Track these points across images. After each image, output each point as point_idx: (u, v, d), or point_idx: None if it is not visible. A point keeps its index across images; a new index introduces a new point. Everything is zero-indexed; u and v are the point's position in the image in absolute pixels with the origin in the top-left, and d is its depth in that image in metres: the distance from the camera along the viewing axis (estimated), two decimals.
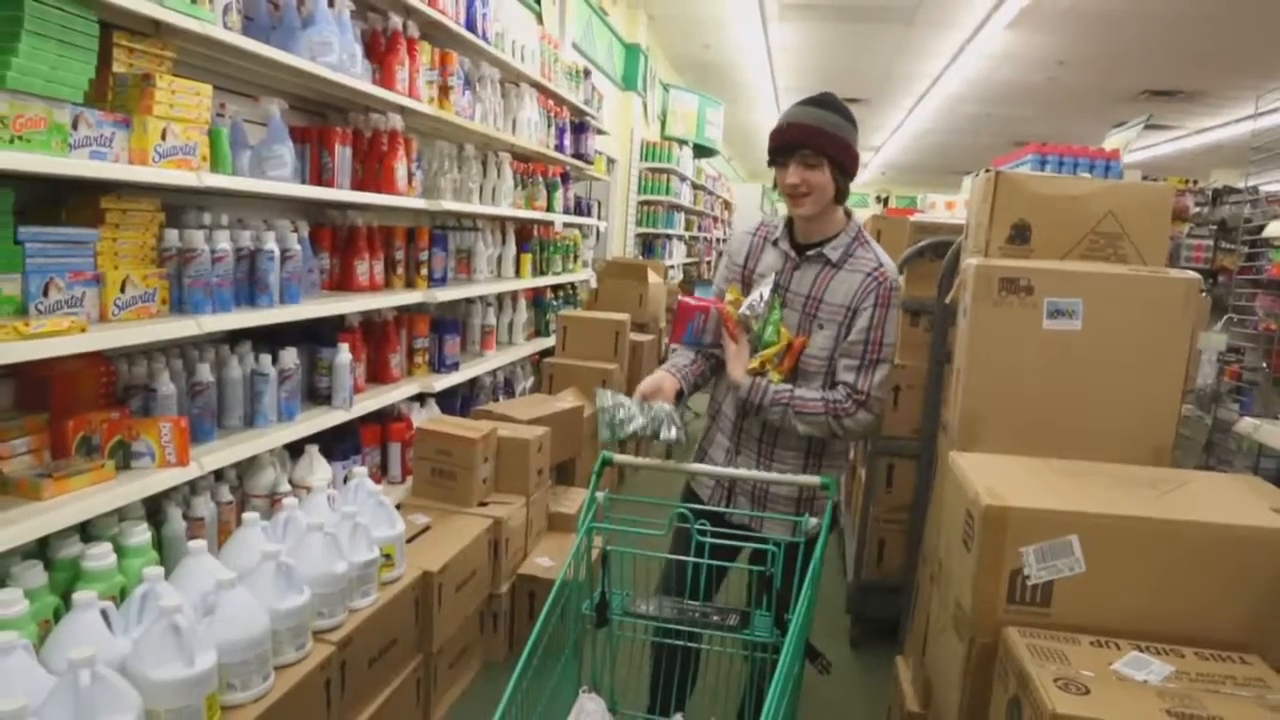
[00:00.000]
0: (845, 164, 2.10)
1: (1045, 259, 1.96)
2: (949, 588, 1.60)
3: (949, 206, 6.65)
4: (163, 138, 2.21)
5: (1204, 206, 5.55)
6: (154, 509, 2.44)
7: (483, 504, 3.33)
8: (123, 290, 2.22)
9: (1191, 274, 1.83)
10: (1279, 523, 1.39)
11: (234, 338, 2.85)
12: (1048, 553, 1.39)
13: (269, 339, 2.93)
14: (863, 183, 25.90)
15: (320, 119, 3.47)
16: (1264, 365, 3.28)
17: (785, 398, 2.08)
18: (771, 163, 2.16)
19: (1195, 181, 6.22)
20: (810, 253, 2.16)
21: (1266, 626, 1.36)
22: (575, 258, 6.20)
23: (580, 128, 6.13)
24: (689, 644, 1.94)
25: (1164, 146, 14.31)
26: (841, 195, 2.15)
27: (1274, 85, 8.91)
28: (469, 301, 4.62)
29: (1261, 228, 3.42)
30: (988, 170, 2.06)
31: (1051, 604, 1.39)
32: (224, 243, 2.52)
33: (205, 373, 2.57)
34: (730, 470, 2.14)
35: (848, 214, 2.20)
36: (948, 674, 1.56)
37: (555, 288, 5.95)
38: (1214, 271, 5.00)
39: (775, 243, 2.24)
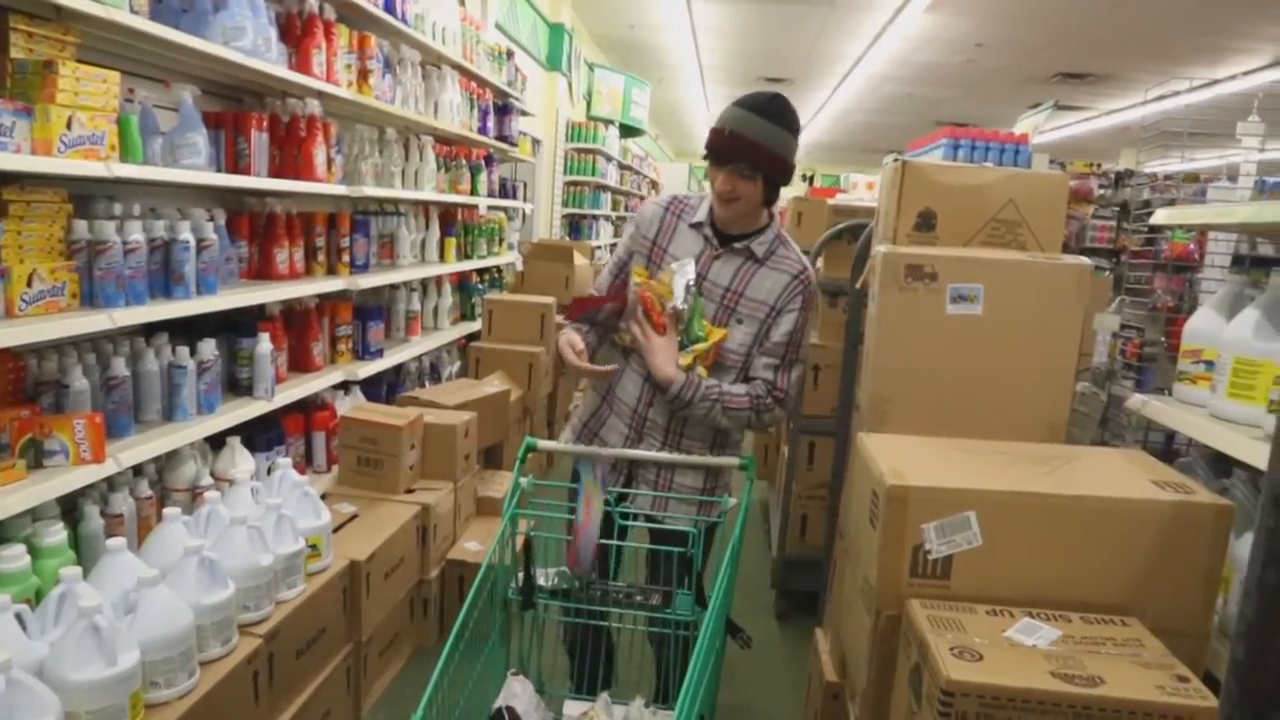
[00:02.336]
0: (779, 178, 2.14)
1: (950, 246, 2.04)
2: (858, 563, 1.67)
3: (869, 187, 6.81)
4: (68, 127, 2.16)
5: (1107, 189, 5.78)
6: (70, 507, 2.39)
7: (410, 491, 3.33)
8: (29, 284, 2.16)
9: (1083, 260, 1.93)
10: (1157, 495, 1.50)
11: (150, 330, 2.79)
12: (947, 528, 1.47)
13: (187, 330, 2.88)
14: None
15: (236, 104, 3.40)
16: (1163, 340, 3.46)
17: (715, 394, 2.10)
18: (706, 158, 2.17)
19: (1099, 165, 6.47)
20: (736, 245, 2.17)
21: (1145, 590, 1.47)
22: (500, 241, 6.18)
23: (504, 109, 6.10)
24: (600, 623, 2.00)
25: (1076, 127, 14.78)
26: (770, 201, 2.18)
27: (1175, 69, 9.26)
28: (393, 287, 4.58)
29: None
30: (896, 159, 2.14)
31: (951, 576, 1.48)
32: (136, 233, 2.47)
33: (120, 367, 2.52)
34: (659, 455, 2.17)
35: (770, 214, 2.23)
36: (858, 645, 1.64)
37: (481, 271, 5.92)
38: (1117, 251, 5.23)
39: (694, 226, 2.22)
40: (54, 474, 2.20)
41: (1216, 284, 2.50)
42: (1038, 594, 1.47)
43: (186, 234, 2.66)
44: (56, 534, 2.12)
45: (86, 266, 2.35)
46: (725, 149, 2.09)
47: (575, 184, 10.46)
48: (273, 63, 3.03)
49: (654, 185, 17.09)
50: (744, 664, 3.15)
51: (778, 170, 2.11)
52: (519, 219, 7.12)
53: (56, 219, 2.31)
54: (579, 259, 6.23)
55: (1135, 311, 2.82)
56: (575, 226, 10.63)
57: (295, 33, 3.35)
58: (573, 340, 2.16)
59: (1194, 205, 2.76)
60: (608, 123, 11.26)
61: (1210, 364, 1.96)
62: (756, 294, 2.14)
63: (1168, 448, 2.50)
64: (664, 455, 2.16)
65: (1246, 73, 9.18)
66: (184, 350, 2.74)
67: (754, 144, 2.06)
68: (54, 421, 2.25)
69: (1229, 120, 2.66)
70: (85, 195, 2.50)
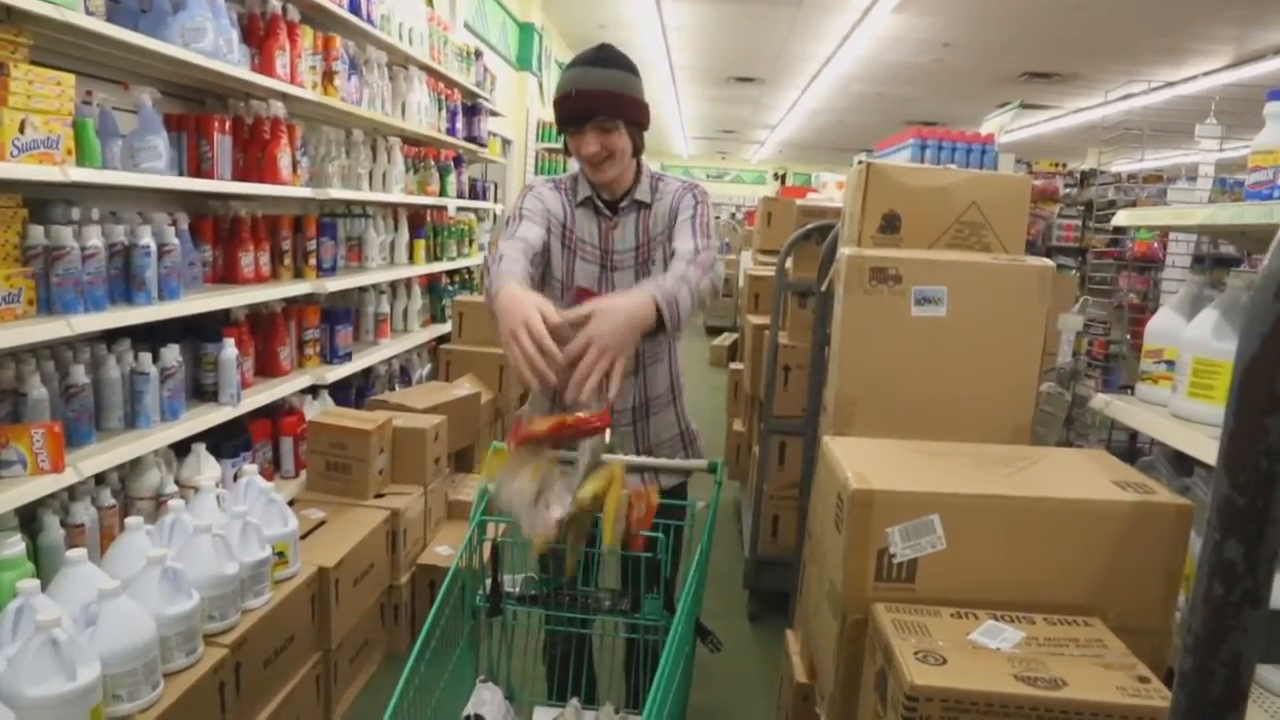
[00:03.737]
0: (640, 120, 2.07)
1: (914, 248, 2.05)
2: (824, 567, 1.68)
3: (839, 186, 6.82)
4: (21, 130, 2.12)
5: (1073, 188, 5.84)
6: (29, 518, 2.35)
7: (379, 495, 3.31)
8: None
9: (1046, 261, 1.95)
10: (1118, 495, 1.51)
11: (112, 336, 2.75)
12: (911, 532, 1.47)
13: (150, 336, 2.84)
14: (760, 160, 26.28)
15: (199, 106, 3.36)
16: (1127, 338, 3.50)
17: (687, 288, 1.83)
18: (562, 131, 2.07)
19: (1064, 164, 6.53)
20: (623, 204, 2.11)
21: (1107, 591, 1.48)
22: (470, 242, 6.15)
23: (473, 110, 6.07)
24: (583, 630, 1.98)
25: (1043, 126, 14.93)
26: (639, 149, 2.10)
27: (1139, 70, 9.35)
28: (361, 290, 4.54)
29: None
30: (860, 162, 2.14)
31: (916, 580, 1.48)
32: (95, 239, 2.43)
33: (80, 374, 2.48)
34: (630, 459, 2.16)
35: (639, 163, 2.16)
36: (825, 649, 1.64)
37: (451, 273, 5.89)
38: (1083, 249, 5.28)
39: (583, 204, 2.13)
40: (11, 484, 2.16)
41: (1178, 283, 2.53)
42: (1002, 595, 1.48)
43: (148, 239, 2.62)
44: (14, 546, 2.08)
45: (43, 272, 2.31)
46: (577, 109, 2.00)
47: None
48: (234, 64, 2.99)
49: None
50: (717, 665, 3.15)
51: (634, 111, 2.03)
52: (490, 220, 7.09)
53: (11, 224, 2.27)
54: None
55: (1099, 311, 2.86)
56: None
57: (258, 34, 3.31)
58: (535, 316, 1.62)
59: (1153, 207, 2.80)
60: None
61: (1171, 364, 1.99)
62: (659, 225, 2.10)
63: (1131, 446, 2.53)
64: (633, 459, 2.16)
65: (1207, 73, 9.32)
66: (146, 356, 2.70)
67: (605, 93, 1.98)
68: (11, 431, 2.20)
69: (1188, 121, 2.70)
70: (42, 200, 2.46)
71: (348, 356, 4.02)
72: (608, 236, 2.11)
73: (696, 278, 1.88)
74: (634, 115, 2.04)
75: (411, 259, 5.01)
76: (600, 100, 1.98)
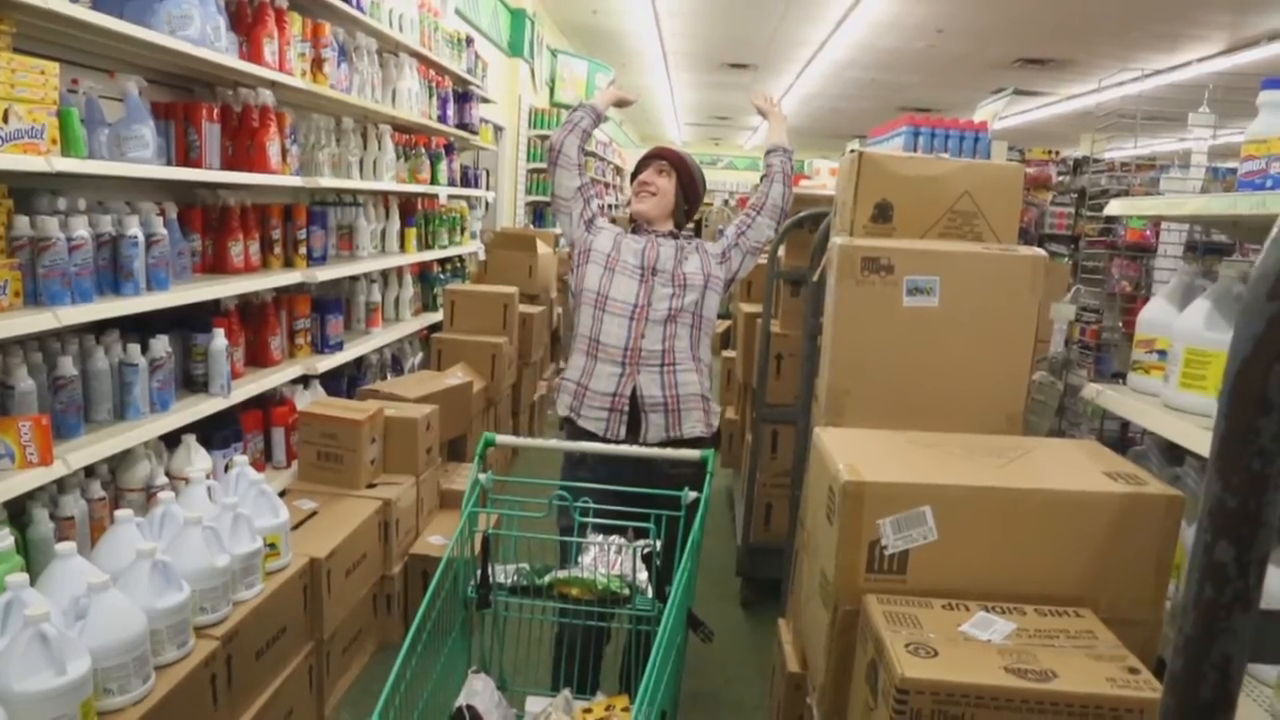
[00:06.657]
0: (689, 187, 2.64)
1: (907, 237, 2.04)
2: (816, 558, 1.67)
3: (833, 173, 6.80)
4: (4, 120, 2.09)
5: (1065, 175, 5.82)
6: (18, 511, 2.34)
7: (371, 485, 3.30)
8: None
9: (1038, 250, 1.94)
10: (1109, 487, 1.51)
11: (100, 327, 2.73)
12: (903, 524, 1.47)
13: (139, 327, 2.82)
14: (754, 146, 26.21)
15: (187, 94, 3.32)
16: (1120, 325, 3.50)
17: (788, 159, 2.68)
18: (633, 179, 2.69)
19: (1057, 152, 6.51)
20: (659, 229, 2.62)
21: (1098, 581, 1.48)
22: (462, 230, 6.12)
23: (464, 97, 6.03)
24: (600, 623, 1.97)
25: (1038, 113, 14.89)
26: (679, 216, 2.64)
27: (1134, 55, 9.32)
28: (352, 279, 4.52)
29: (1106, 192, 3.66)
30: (853, 150, 2.13)
31: (907, 571, 1.48)
32: (81, 229, 2.40)
33: (68, 366, 2.46)
34: (618, 448, 2.17)
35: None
36: (816, 639, 1.64)
37: (442, 261, 5.86)
38: (1075, 237, 5.27)
39: (623, 231, 2.61)
40: None
41: (1170, 272, 2.53)
42: (994, 587, 1.48)
43: (135, 229, 2.60)
44: (3, 539, 2.06)
45: (29, 264, 2.29)
46: (648, 155, 2.68)
47: (539, 171, 10.37)
48: (222, 52, 2.96)
49: (619, 171, 17.01)
50: (710, 652, 3.16)
51: (689, 178, 2.63)
52: (481, 207, 7.06)
53: None
54: (542, 247, 6.17)
55: (1092, 299, 2.86)
56: (539, 214, 10.55)
57: (246, 21, 3.28)
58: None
59: (1145, 197, 2.79)
60: (571, 109, 11.15)
61: (1163, 354, 1.98)
62: (688, 246, 2.54)
63: (1123, 434, 2.53)
64: (635, 449, 2.18)
65: (1202, 59, 9.30)
66: (135, 348, 2.68)
67: (673, 152, 2.66)
68: None
69: (1181, 110, 2.69)
70: (27, 189, 2.43)
71: (339, 346, 4.01)
72: (653, 250, 2.53)
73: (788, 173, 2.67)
74: (687, 180, 2.64)
75: (403, 247, 4.99)
76: (666, 153, 2.66)
